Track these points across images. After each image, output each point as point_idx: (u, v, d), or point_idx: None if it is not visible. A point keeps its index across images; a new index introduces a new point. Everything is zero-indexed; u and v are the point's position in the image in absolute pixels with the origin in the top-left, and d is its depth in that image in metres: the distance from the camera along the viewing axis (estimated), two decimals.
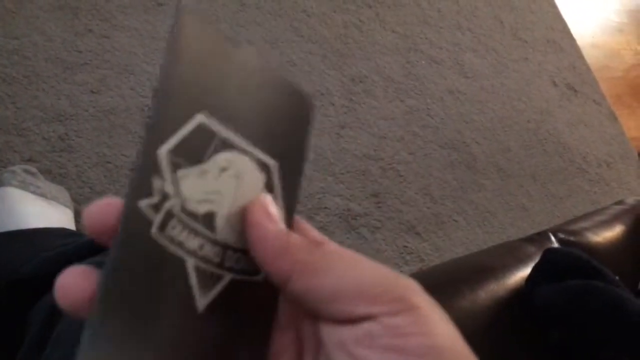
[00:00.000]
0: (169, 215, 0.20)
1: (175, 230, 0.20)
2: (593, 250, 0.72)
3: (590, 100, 1.51)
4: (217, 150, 0.21)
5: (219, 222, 0.21)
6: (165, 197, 0.20)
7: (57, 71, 0.82)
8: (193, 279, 0.21)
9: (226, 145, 0.22)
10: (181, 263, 0.20)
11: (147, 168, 0.19)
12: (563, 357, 0.56)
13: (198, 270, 0.21)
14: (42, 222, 0.69)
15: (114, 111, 0.83)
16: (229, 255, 0.22)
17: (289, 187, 0.24)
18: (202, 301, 0.21)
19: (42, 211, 0.71)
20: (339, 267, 0.21)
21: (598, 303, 0.51)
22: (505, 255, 0.70)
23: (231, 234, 0.22)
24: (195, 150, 0.21)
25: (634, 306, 0.51)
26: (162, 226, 0.20)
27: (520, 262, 0.66)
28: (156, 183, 0.19)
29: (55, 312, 0.44)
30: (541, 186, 1.27)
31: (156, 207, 0.20)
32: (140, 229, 0.19)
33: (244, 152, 0.22)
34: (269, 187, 0.23)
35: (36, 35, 0.83)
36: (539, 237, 0.71)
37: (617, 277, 0.58)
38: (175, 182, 0.20)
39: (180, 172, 0.20)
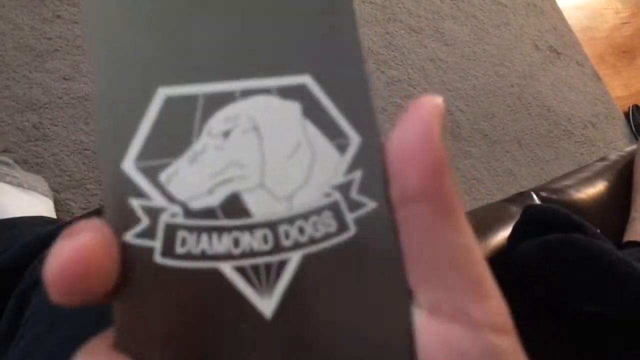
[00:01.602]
0: (172, 230, 0.15)
1: (189, 244, 0.15)
2: (576, 207, 0.72)
3: (573, 62, 1.51)
4: (206, 116, 0.16)
5: (252, 198, 0.16)
6: (155, 214, 0.15)
7: (27, 59, 0.80)
8: (240, 285, 0.16)
9: (217, 101, 0.16)
10: (213, 274, 0.15)
11: (116, 192, 0.15)
12: (548, 314, 0.56)
13: (241, 271, 0.16)
14: (20, 212, 0.68)
15: (88, 97, 0.82)
16: (285, 230, 0.16)
17: (348, 95, 0.17)
18: (266, 304, 0.16)
19: (20, 201, 0.70)
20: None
21: (577, 255, 0.51)
22: (488, 217, 0.70)
23: (278, 202, 0.16)
24: (175, 136, 0.16)
25: (614, 257, 0.51)
26: (167, 248, 0.15)
27: (503, 222, 0.66)
28: (135, 204, 0.15)
29: (25, 295, 0.43)
30: (527, 150, 1.27)
31: (150, 232, 0.15)
32: (140, 265, 0.15)
33: (248, 93, 0.16)
34: (313, 111, 0.17)
35: (3, 24, 0.81)
36: (521, 197, 0.71)
37: (597, 230, 0.58)
38: (162, 190, 0.15)
39: (164, 174, 0.15)
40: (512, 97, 1.33)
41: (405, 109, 0.16)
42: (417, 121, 0.16)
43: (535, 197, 0.71)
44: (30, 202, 0.71)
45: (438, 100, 0.16)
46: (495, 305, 0.16)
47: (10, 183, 0.70)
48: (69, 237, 0.14)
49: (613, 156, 0.84)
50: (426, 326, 0.16)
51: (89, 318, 0.34)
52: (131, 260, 0.15)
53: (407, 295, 0.16)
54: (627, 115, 1.51)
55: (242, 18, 0.17)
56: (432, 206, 0.15)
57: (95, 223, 0.14)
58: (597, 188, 0.76)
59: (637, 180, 0.77)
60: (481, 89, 1.29)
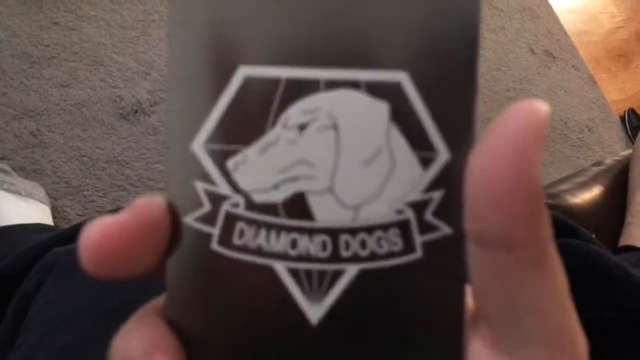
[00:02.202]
0: (231, 220, 0.15)
1: (246, 237, 0.15)
2: (572, 212, 0.72)
3: (569, 66, 1.51)
4: (284, 105, 0.14)
5: (318, 202, 0.15)
6: (218, 200, 0.15)
7: (24, 66, 0.80)
8: (291, 287, 0.15)
9: (299, 89, 0.14)
10: (266, 271, 0.15)
11: (182, 173, 0.15)
12: None
13: (294, 274, 0.15)
14: (18, 219, 0.68)
15: (85, 104, 0.82)
16: (346, 241, 0.15)
17: (447, 101, 0.15)
18: (314, 311, 0.15)
19: (17, 208, 0.70)
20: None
21: (573, 261, 0.51)
22: None
23: (344, 210, 0.15)
24: (249, 121, 0.15)
25: (610, 262, 0.51)
26: (225, 237, 0.15)
27: None
28: (200, 187, 0.15)
29: (24, 301, 0.43)
30: None
31: (210, 218, 0.15)
32: (195, 248, 0.15)
33: (333, 84, 0.14)
34: (403, 115, 0.15)
35: (0, 32, 0.81)
36: None
37: (593, 235, 0.58)
38: (228, 177, 0.15)
39: (232, 161, 0.15)
40: (509, 102, 1.33)
41: (495, 120, 0.12)
42: (509, 150, 0.12)
43: None
44: (27, 209, 0.71)
45: (542, 108, 0.12)
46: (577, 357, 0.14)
47: (7, 190, 0.70)
48: (124, 211, 0.14)
49: (609, 160, 0.85)
50: None
51: (91, 323, 0.35)
52: (188, 242, 0.15)
53: (462, 347, 0.15)
54: (622, 119, 1.52)
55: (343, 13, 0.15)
56: (519, 257, 0.13)
57: (155, 200, 0.14)
58: (593, 192, 0.76)
59: (632, 185, 0.77)
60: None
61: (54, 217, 0.73)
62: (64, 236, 0.51)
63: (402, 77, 0.15)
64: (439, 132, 0.15)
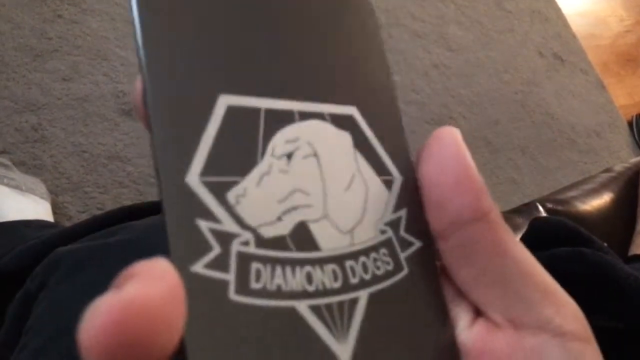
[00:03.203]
0: (245, 261, 0.13)
1: (264, 278, 0.13)
2: (582, 218, 0.71)
3: (577, 70, 1.50)
4: (268, 134, 0.14)
5: (319, 229, 0.15)
6: (227, 240, 0.13)
7: (27, 59, 0.79)
8: (317, 327, 0.14)
9: (279, 119, 0.15)
10: (290, 314, 0.14)
11: (180, 212, 0.13)
12: None
13: (317, 311, 0.14)
14: (18, 214, 0.67)
15: (88, 98, 0.81)
16: (351, 267, 0.15)
17: (386, 130, 0.17)
18: (343, 349, 0.14)
19: (17, 204, 0.69)
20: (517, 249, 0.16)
21: (585, 270, 0.50)
22: None
23: (342, 235, 0.15)
24: (238, 151, 0.14)
25: (622, 272, 0.50)
26: (242, 283, 0.13)
27: None
28: (204, 227, 0.13)
29: (27, 302, 0.42)
30: (530, 159, 1.26)
31: (221, 262, 0.13)
32: (212, 302, 0.13)
33: (305, 115, 0.15)
34: (361, 144, 0.16)
35: (3, 24, 0.80)
36: (527, 208, 0.70)
37: (605, 244, 0.57)
38: (231, 211, 0.13)
39: (232, 193, 0.13)
40: (516, 104, 1.32)
41: (428, 142, 0.16)
42: (448, 152, 0.16)
43: (540, 208, 0.70)
44: (27, 205, 0.70)
45: (456, 130, 0.16)
46: (573, 312, 0.16)
47: (7, 185, 0.69)
48: (124, 285, 0.10)
49: (618, 167, 0.84)
50: (511, 343, 0.16)
51: None
52: (201, 295, 0.12)
53: (451, 327, 0.16)
54: (630, 124, 1.50)
55: (304, 40, 0.16)
56: (491, 223, 0.15)
57: (159, 265, 0.11)
58: (602, 200, 0.75)
59: None
60: (484, 96, 1.28)
61: (54, 213, 0.72)
62: (66, 235, 0.50)
63: (353, 111, 0.16)
64: (390, 158, 0.17)
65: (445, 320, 0.16)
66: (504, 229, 0.16)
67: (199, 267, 0.13)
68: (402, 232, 0.16)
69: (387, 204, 0.16)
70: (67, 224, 0.73)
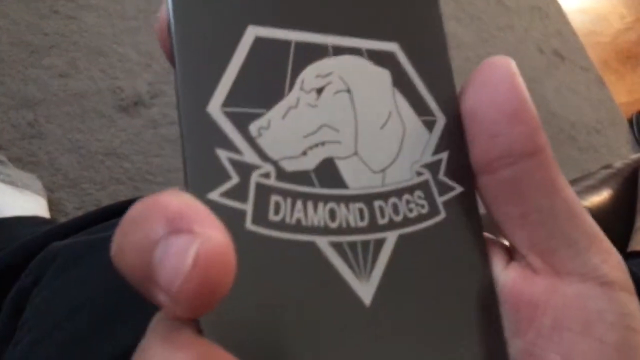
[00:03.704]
0: (265, 193, 0.13)
1: (283, 211, 0.13)
2: None
3: (577, 67, 1.49)
4: (297, 67, 0.14)
5: (347, 167, 0.14)
6: (247, 170, 0.13)
7: (23, 55, 0.79)
8: (338, 263, 0.14)
9: (311, 53, 0.14)
10: (310, 249, 0.13)
11: (200, 141, 0.13)
12: None
13: (338, 248, 0.14)
14: (13, 211, 0.67)
15: (84, 95, 0.80)
16: (380, 207, 0.15)
17: (431, 69, 0.16)
18: (365, 290, 0.14)
19: (13, 200, 0.69)
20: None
21: None
22: (492, 226, 0.68)
23: (372, 174, 0.15)
24: (265, 83, 0.14)
25: None
26: (260, 214, 0.13)
27: None
28: (223, 156, 0.13)
29: (22, 297, 0.42)
30: None
31: (240, 192, 0.13)
32: (229, 231, 0.12)
33: (339, 50, 0.15)
34: (401, 82, 0.15)
35: None
36: None
37: None
38: (252, 143, 0.13)
39: (254, 125, 0.13)
40: None
41: (479, 69, 0.15)
42: (508, 77, 0.14)
43: None
44: (23, 202, 0.70)
45: (511, 60, 0.15)
46: (618, 262, 0.15)
47: (3, 181, 0.69)
48: (197, 230, 0.11)
49: (618, 164, 0.83)
50: (550, 288, 0.15)
51: (91, 321, 0.34)
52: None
53: (493, 285, 0.16)
54: (630, 121, 1.50)
55: None
56: (544, 159, 0.15)
57: (208, 216, 0.11)
58: (602, 196, 0.75)
59: None
60: None
61: (50, 210, 0.72)
62: (62, 230, 0.49)
63: (394, 48, 0.15)
64: (434, 99, 0.16)
65: (484, 269, 0.16)
66: (556, 167, 0.15)
67: (215, 195, 0.12)
68: (441, 176, 0.16)
69: (426, 146, 0.16)
70: (63, 220, 0.73)
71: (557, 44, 1.49)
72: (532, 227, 0.15)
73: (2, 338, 0.40)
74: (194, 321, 0.12)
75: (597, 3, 1.74)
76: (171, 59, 0.13)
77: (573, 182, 0.78)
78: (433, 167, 0.16)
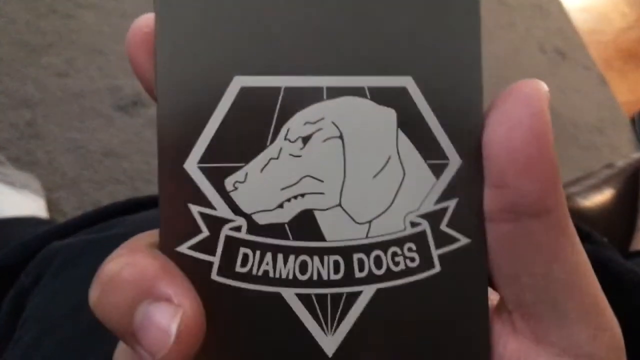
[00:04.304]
0: (233, 246, 0.14)
1: (250, 263, 0.14)
2: (583, 214, 0.70)
3: (579, 66, 1.49)
4: (285, 116, 0.13)
5: (326, 219, 0.14)
6: (217, 225, 0.13)
7: (22, 54, 0.79)
8: (303, 315, 0.14)
9: (302, 98, 0.14)
10: (275, 300, 0.14)
11: (175, 196, 0.13)
12: None
13: (306, 301, 0.14)
14: (11, 211, 0.67)
15: (83, 94, 0.80)
16: (359, 259, 0.14)
17: (452, 105, 0.14)
18: (329, 342, 0.14)
19: (11, 200, 0.69)
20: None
21: None
22: None
23: (355, 226, 0.14)
24: (247, 136, 0.13)
25: (623, 267, 0.50)
26: (226, 265, 0.13)
27: None
28: (195, 211, 0.13)
29: (21, 296, 0.42)
30: None
31: (207, 244, 0.13)
32: (195, 280, 0.13)
33: (337, 91, 0.14)
34: (411, 122, 0.14)
35: None
36: None
37: (605, 239, 0.56)
38: (226, 197, 0.13)
39: (230, 179, 0.13)
40: None
41: (502, 97, 0.13)
42: (528, 116, 0.12)
43: None
44: (21, 202, 0.69)
45: (544, 86, 0.13)
46: (611, 340, 0.14)
47: (1, 181, 0.69)
48: (173, 297, 0.12)
49: (620, 163, 0.83)
50: (522, 354, 0.14)
51: (90, 320, 0.33)
52: (185, 273, 0.13)
53: (488, 351, 0.14)
54: (633, 121, 1.49)
55: (338, 1, 0.14)
56: (551, 223, 0.13)
57: (182, 282, 0.13)
58: (604, 195, 0.74)
59: None
60: (486, 92, 1.27)
61: (49, 210, 0.72)
62: (61, 230, 0.49)
63: (408, 82, 0.14)
64: (450, 138, 0.14)
65: (475, 330, 0.14)
66: (562, 231, 0.13)
67: (184, 248, 0.13)
68: (443, 226, 0.14)
69: (429, 193, 0.14)
70: (62, 220, 0.73)
71: (559, 43, 1.49)
72: (521, 289, 0.14)
73: (2, 337, 0.40)
74: None
75: (599, 1, 1.73)
76: (151, 96, 0.14)
77: (575, 182, 0.78)
78: (434, 216, 0.14)
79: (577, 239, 0.14)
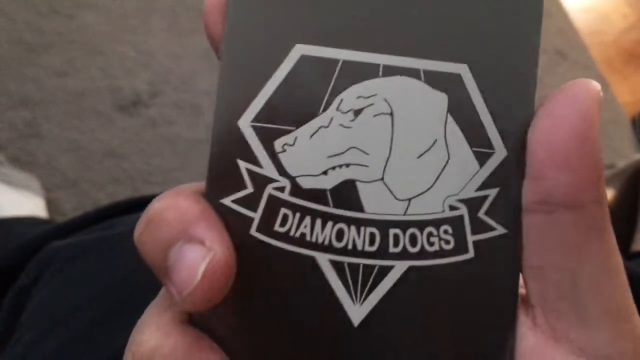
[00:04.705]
0: (274, 205, 0.14)
1: (289, 224, 0.14)
2: None
3: (579, 66, 1.49)
4: (339, 87, 0.14)
5: (368, 191, 0.14)
6: (262, 183, 0.14)
7: (22, 54, 0.79)
8: (334, 281, 0.14)
9: (358, 72, 0.14)
10: (308, 263, 0.14)
11: (225, 150, 0.14)
12: None
13: (338, 267, 0.14)
14: (11, 211, 0.67)
15: (83, 94, 0.80)
16: (395, 234, 0.14)
17: (505, 97, 0.14)
18: (357, 311, 0.14)
19: (11, 200, 0.69)
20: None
21: None
22: None
23: (395, 202, 0.14)
24: (301, 101, 0.14)
25: (626, 270, 0.49)
26: (266, 223, 0.14)
27: None
28: (243, 167, 0.14)
29: (21, 296, 0.42)
30: None
31: (251, 201, 0.14)
32: (234, 233, 0.14)
33: (392, 70, 0.14)
34: (461, 109, 0.14)
35: None
36: None
37: None
38: (274, 157, 0.14)
39: (279, 141, 0.14)
40: None
41: (553, 94, 0.13)
42: (573, 113, 0.13)
43: None
44: (21, 202, 0.69)
45: (596, 86, 0.13)
46: (634, 348, 0.14)
47: (1, 181, 0.69)
48: (206, 240, 0.13)
49: (621, 164, 0.83)
50: (537, 350, 0.14)
51: (90, 320, 0.34)
52: (226, 225, 0.14)
53: (512, 347, 0.15)
54: (633, 121, 1.49)
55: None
56: (582, 218, 0.13)
57: (218, 228, 0.13)
58: None
59: None
60: None
61: (48, 210, 0.72)
62: (61, 230, 0.49)
63: (462, 70, 0.14)
64: (497, 129, 0.14)
65: (500, 321, 0.15)
66: (593, 228, 0.13)
67: (227, 201, 0.14)
68: (481, 214, 0.15)
69: (471, 180, 0.15)
70: (62, 220, 0.73)
71: (559, 43, 1.49)
72: (546, 283, 0.14)
73: (2, 337, 0.40)
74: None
75: (600, 2, 1.73)
76: (217, 54, 0.14)
77: None
78: (473, 203, 0.15)
79: (611, 241, 0.13)
